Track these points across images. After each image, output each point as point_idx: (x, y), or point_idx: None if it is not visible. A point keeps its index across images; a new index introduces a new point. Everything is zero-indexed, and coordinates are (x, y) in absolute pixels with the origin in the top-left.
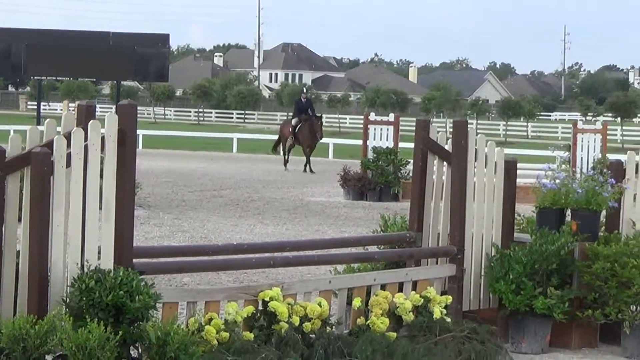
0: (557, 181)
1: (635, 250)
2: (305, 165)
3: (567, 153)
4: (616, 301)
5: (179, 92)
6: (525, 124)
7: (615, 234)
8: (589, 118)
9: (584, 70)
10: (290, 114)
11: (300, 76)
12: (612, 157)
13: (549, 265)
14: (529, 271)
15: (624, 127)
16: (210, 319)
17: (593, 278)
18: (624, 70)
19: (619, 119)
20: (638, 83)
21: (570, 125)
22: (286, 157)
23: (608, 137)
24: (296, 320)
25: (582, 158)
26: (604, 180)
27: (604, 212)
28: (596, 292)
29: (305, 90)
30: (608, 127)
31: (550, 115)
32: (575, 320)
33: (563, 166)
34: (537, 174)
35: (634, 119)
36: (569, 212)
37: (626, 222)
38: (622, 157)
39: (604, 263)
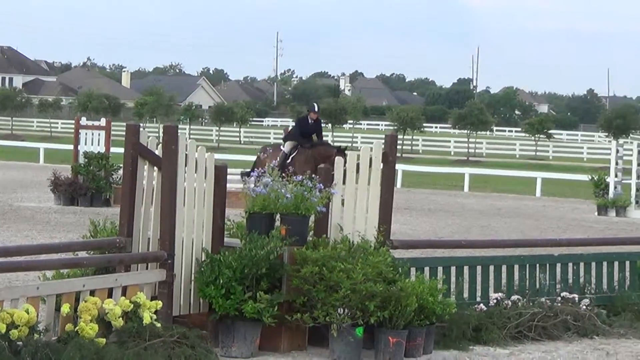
0: (267, 187)
1: (342, 254)
2: None
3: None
4: (324, 304)
5: None
6: (238, 129)
7: (323, 238)
8: None
9: (296, 76)
10: None
11: (11, 80)
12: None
13: (258, 270)
14: (239, 276)
15: (334, 133)
16: None
17: (302, 282)
18: (335, 77)
19: (329, 124)
20: (348, 90)
21: (282, 131)
22: None
23: None
24: (2, 328)
25: None
26: (312, 185)
27: (313, 217)
28: (305, 295)
29: (315, 108)
30: None
31: (262, 121)
32: (285, 324)
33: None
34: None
35: (344, 125)
36: (278, 217)
37: (334, 226)
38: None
39: (312, 267)
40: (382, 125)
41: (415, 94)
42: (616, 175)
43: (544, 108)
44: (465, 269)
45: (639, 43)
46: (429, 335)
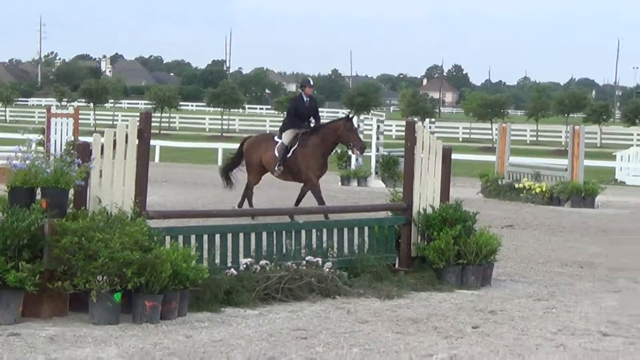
0: (27, 162)
1: (101, 225)
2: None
3: (40, 136)
4: (84, 272)
5: None
6: (4, 109)
7: (82, 210)
8: (64, 103)
9: (60, 58)
10: None
11: None
12: (83, 139)
13: (20, 241)
14: (1, 247)
15: (96, 112)
16: None
17: (62, 251)
18: (96, 59)
19: (92, 104)
20: (109, 71)
21: (45, 110)
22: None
23: (81, 120)
24: None
25: (55, 140)
26: (71, 160)
27: (73, 190)
28: (66, 264)
29: (310, 82)
30: (80, 111)
31: (27, 101)
32: (47, 292)
33: (37, 148)
34: (8, 155)
35: (105, 104)
36: (39, 190)
37: (93, 199)
38: (90, 139)
39: (72, 237)
40: (141, 104)
41: (172, 74)
42: None
43: (292, 87)
44: (217, 236)
45: (379, 26)
46: (183, 299)
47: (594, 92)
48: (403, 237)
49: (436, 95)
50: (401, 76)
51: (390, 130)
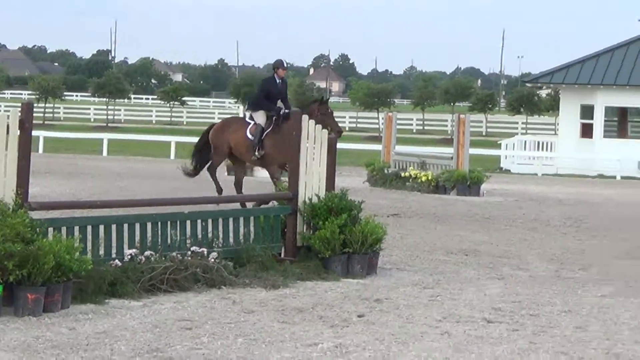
0: None
1: None
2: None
3: None
4: None
5: None
6: None
7: None
8: None
9: None
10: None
11: None
12: None
13: None
14: None
15: None
16: None
17: None
18: None
19: None
20: None
21: None
22: (216, 180)
23: None
24: None
25: None
26: None
27: None
28: None
29: (284, 63)
30: None
31: None
32: None
33: None
34: None
35: None
36: None
37: None
38: None
39: None
40: (25, 94)
41: (56, 64)
42: None
43: (178, 77)
44: (101, 227)
45: (265, 16)
46: (66, 291)
47: (479, 81)
48: (289, 226)
49: (323, 84)
50: (288, 66)
51: None
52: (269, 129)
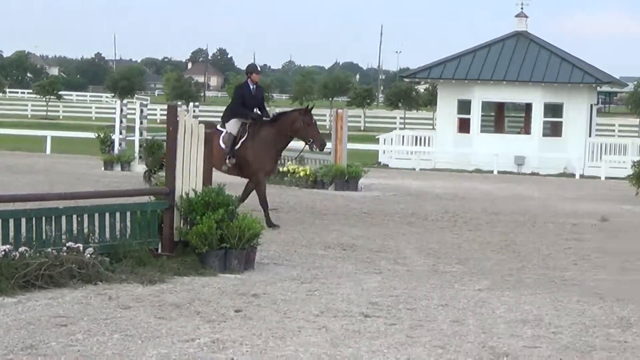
0: None
1: None
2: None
3: None
4: None
5: None
6: None
7: None
8: None
9: None
10: None
11: None
12: None
13: None
14: None
15: None
16: None
17: None
18: None
19: None
20: None
21: None
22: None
23: None
24: None
25: None
26: None
27: None
28: None
29: (258, 68)
30: None
31: None
32: None
33: None
34: None
35: None
36: None
37: None
38: None
39: None
40: None
41: None
42: (121, 133)
43: (54, 71)
44: None
45: (143, 10)
46: None
47: (357, 76)
48: (166, 221)
49: (201, 79)
50: (166, 60)
51: (155, 115)
52: (245, 137)
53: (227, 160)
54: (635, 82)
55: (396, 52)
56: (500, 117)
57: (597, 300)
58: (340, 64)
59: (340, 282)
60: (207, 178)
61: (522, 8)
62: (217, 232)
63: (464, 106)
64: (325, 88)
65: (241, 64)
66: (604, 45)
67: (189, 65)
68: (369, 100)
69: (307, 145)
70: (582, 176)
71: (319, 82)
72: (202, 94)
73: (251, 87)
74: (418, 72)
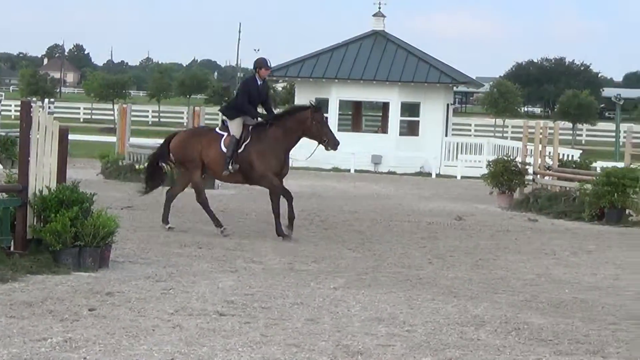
0: None
1: None
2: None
3: None
4: None
5: None
6: None
7: None
8: None
9: None
10: None
11: None
12: None
13: None
14: None
15: None
16: None
17: None
18: None
19: None
20: None
21: None
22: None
23: None
24: None
25: None
26: None
27: None
28: None
29: (268, 63)
30: None
31: None
32: None
33: None
34: None
35: None
36: None
37: None
38: None
39: None
40: None
41: None
42: None
43: None
44: None
45: None
46: None
47: (215, 73)
48: (18, 219)
49: (57, 75)
50: (21, 55)
51: (10, 111)
52: (248, 141)
53: (229, 167)
54: (491, 83)
55: (254, 49)
56: (357, 116)
57: (451, 299)
58: (199, 61)
59: (195, 280)
60: (61, 175)
61: (379, 8)
62: (71, 229)
63: (322, 105)
64: (183, 85)
65: (98, 60)
66: (461, 45)
67: (45, 61)
68: (226, 98)
69: (320, 144)
70: (438, 175)
71: (177, 79)
72: (58, 90)
73: (259, 82)
74: (276, 70)
